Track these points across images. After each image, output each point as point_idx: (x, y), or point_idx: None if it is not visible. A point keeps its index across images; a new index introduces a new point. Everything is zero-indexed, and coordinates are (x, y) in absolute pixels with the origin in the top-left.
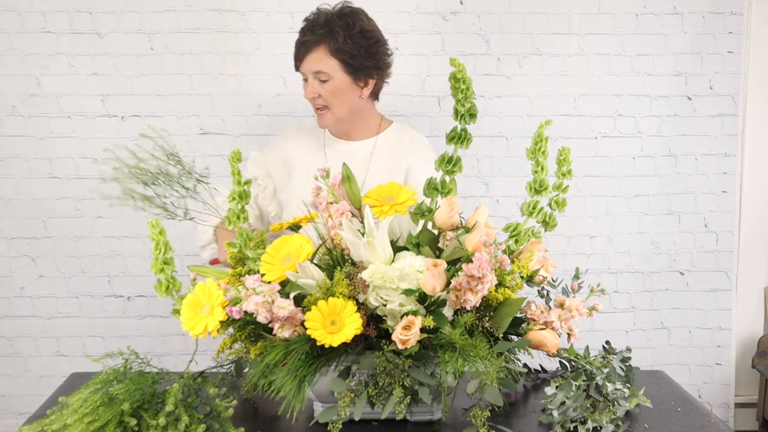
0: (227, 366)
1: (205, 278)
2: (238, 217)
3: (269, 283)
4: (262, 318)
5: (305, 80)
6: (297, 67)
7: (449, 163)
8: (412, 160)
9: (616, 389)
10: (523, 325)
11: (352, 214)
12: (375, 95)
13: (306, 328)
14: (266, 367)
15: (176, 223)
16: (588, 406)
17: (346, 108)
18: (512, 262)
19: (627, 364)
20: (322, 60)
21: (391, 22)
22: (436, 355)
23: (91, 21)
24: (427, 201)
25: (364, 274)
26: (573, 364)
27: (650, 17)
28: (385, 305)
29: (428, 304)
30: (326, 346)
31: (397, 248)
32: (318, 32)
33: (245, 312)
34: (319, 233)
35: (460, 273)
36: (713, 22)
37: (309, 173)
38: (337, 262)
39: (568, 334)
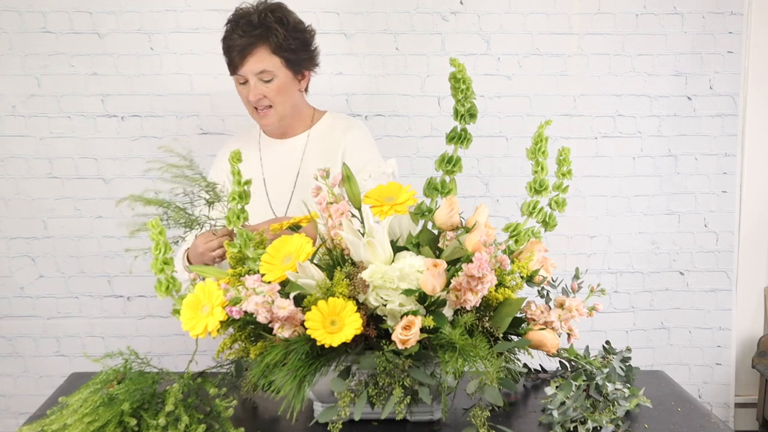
0: (227, 366)
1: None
2: (238, 217)
3: (269, 283)
4: (262, 318)
5: (243, 83)
6: (234, 71)
7: (449, 163)
8: (346, 142)
9: (616, 389)
10: (523, 325)
11: (352, 214)
12: (306, 88)
13: (306, 328)
14: (266, 367)
15: None
16: (588, 406)
17: (289, 104)
18: (512, 262)
19: (627, 364)
20: (265, 60)
21: (391, 22)
22: (436, 355)
23: (91, 21)
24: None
25: (364, 274)
26: (573, 364)
27: (650, 17)
28: (385, 305)
29: (428, 304)
30: (326, 346)
31: (397, 248)
32: (255, 33)
33: (245, 312)
34: (319, 233)
35: (460, 273)
36: (713, 22)
37: (248, 177)
38: (337, 262)
39: (568, 334)
